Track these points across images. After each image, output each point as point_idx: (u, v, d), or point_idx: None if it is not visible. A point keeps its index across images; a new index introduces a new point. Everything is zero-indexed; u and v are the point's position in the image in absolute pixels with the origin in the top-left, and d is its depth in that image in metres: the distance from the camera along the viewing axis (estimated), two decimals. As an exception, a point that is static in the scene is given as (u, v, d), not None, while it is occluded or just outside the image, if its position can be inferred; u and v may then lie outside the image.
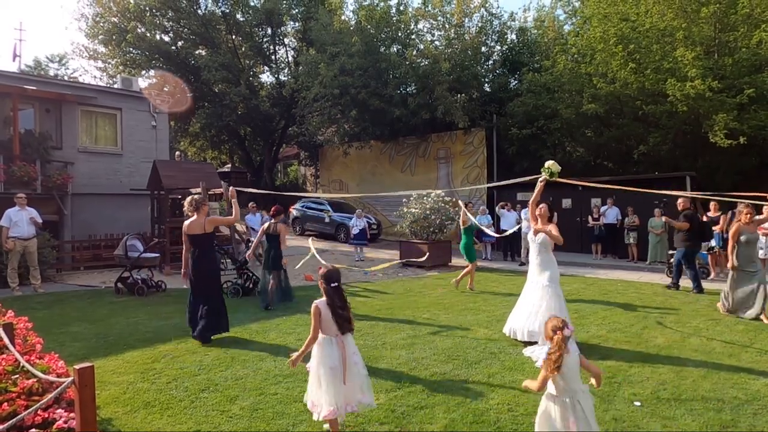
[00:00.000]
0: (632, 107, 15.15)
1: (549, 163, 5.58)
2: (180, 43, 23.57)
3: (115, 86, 16.43)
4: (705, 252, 10.70)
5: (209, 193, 11.84)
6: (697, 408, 4.01)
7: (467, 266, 9.49)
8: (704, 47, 13.64)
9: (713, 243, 10.59)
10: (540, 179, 5.66)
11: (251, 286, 9.15)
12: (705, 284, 9.85)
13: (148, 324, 6.95)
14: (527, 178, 6.20)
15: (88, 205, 13.57)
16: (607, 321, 6.97)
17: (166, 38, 23.62)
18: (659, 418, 3.84)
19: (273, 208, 8.44)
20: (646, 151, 14.97)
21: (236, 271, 9.36)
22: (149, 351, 5.66)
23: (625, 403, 4.14)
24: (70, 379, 2.85)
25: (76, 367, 2.78)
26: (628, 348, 5.67)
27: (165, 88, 21.35)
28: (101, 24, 22.42)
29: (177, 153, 20.82)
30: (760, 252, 9.99)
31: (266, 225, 8.14)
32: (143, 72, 23.88)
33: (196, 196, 6.09)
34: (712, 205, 11.14)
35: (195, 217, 5.97)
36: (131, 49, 22.53)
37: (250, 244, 10.41)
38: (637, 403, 4.11)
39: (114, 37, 22.13)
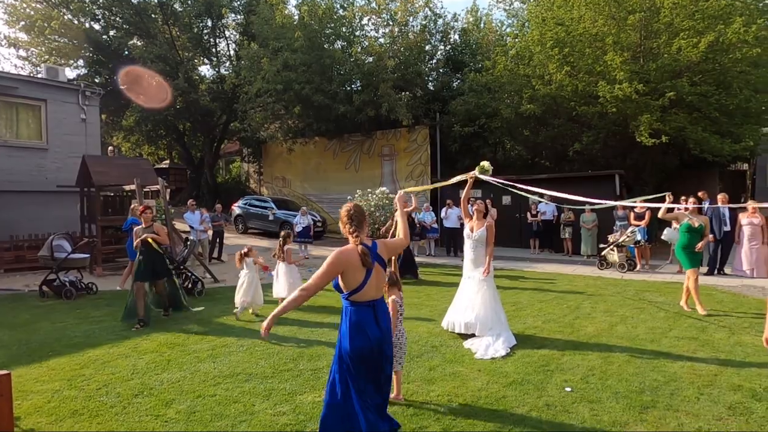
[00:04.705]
0: (567, 108, 15.85)
1: (484, 163, 5.73)
2: (112, 33, 22.36)
3: (39, 76, 15.37)
4: (632, 245, 11.38)
5: (144, 190, 11.34)
6: (621, 391, 4.27)
7: (687, 277, 7.16)
8: (631, 52, 14.47)
9: (639, 237, 11.28)
10: (469, 175, 5.77)
11: (190, 285, 8.85)
12: (631, 276, 10.51)
13: (76, 329, 6.56)
14: (459, 177, 6.18)
15: (10, 203, 12.64)
16: (543, 312, 7.28)
17: (97, 26, 22.32)
18: (587, 402, 4.06)
19: (141, 207, 7.30)
20: (579, 150, 15.72)
21: (174, 271, 9.00)
22: (77, 357, 5.35)
23: (557, 389, 4.35)
24: (-17, 388, 2.66)
25: (-9, 375, 2.59)
26: (561, 337, 5.96)
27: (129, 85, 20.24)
28: (22, 9, 20.85)
29: (110, 148, 19.77)
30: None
31: (140, 230, 7.03)
32: (71, 62, 22.50)
33: None
34: (637, 201, 11.85)
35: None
36: (56, 37, 21.13)
37: (188, 242, 10.06)
38: (568, 389, 4.33)
39: (37, 23, 20.65)
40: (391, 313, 4.00)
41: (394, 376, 4.04)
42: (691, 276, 7.02)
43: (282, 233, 8.00)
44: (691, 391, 4.27)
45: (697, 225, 7.15)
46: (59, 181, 13.19)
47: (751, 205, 10.00)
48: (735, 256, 10.42)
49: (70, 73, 20.46)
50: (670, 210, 7.47)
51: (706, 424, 3.68)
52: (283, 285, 7.55)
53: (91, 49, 21.73)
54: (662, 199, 7.48)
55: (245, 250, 7.37)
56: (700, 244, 7.10)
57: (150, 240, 6.84)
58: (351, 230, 3.10)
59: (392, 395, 4.05)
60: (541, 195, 7.24)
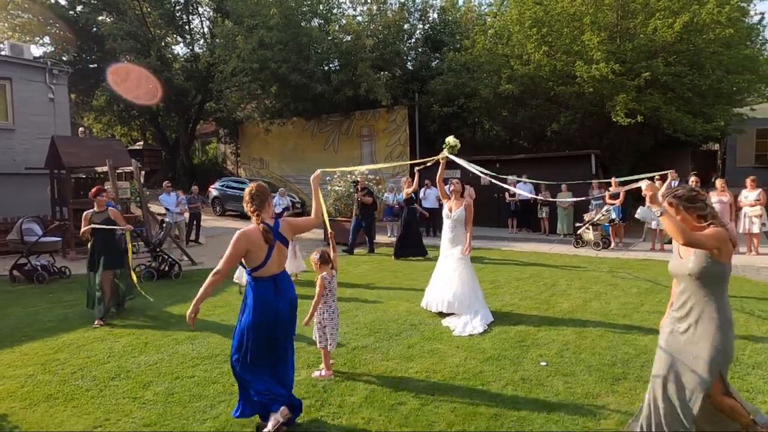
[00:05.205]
0: (545, 88, 15.92)
1: (449, 139, 5.73)
2: (79, 8, 21.47)
3: (2, 53, 14.73)
4: (607, 224, 11.60)
5: (118, 172, 11.08)
6: (594, 364, 4.39)
7: None
8: (608, 32, 14.54)
9: (613, 216, 11.49)
10: (440, 156, 5.80)
11: (167, 268, 8.74)
12: (606, 254, 10.74)
13: (49, 313, 6.44)
14: (432, 159, 6.26)
15: (-25, 186, 12.24)
16: (520, 290, 7.41)
17: (63, 1, 21.42)
18: (561, 375, 4.17)
19: (93, 190, 6.49)
20: (557, 130, 15.86)
21: (150, 253, 8.88)
22: (51, 341, 5.26)
23: (533, 363, 4.45)
24: (-50, 374, 2.59)
25: (-42, 360, 2.53)
26: (537, 314, 6.08)
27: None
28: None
29: (81, 129, 19.19)
30: (653, 223, 11.02)
31: (90, 213, 6.26)
32: (37, 38, 21.61)
33: None
34: (612, 180, 12.04)
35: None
36: (20, 12, 20.24)
37: (164, 225, 9.90)
38: (543, 363, 4.43)
39: (-2, -3, 19.73)
40: (317, 289, 4.23)
41: (322, 353, 4.29)
42: None
43: (285, 213, 8.30)
44: (660, 362, 4.41)
45: None
46: (28, 163, 12.79)
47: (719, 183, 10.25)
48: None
49: (35, 51, 19.73)
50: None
51: (674, 394, 3.80)
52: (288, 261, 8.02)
53: (57, 25, 20.88)
54: (664, 177, 7.45)
55: None
56: None
57: (127, 233, 6.44)
58: (252, 209, 3.28)
59: (323, 373, 4.22)
60: (503, 180, 7.15)
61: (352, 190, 12.65)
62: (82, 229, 6.18)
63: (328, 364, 4.27)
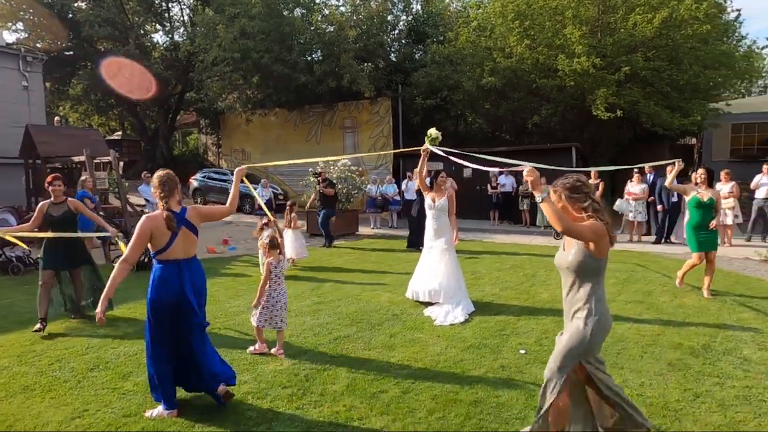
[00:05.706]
0: (527, 81, 16.04)
1: (431, 131, 5.76)
2: (54, -7, 20.89)
3: (-26, 39, 14.35)
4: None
5: (95, 161, 10.87)
6: (572, 352, 4.48)
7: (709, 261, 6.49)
8: (589, 27, 14.71)
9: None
10: (422, 148, 5.83)
11: (146, 260, 8.62)
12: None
13: (25, 305, 6.32)
14: (414, 150, 6.32)
15: (-54, 176, 11.91)
16: (501, 280, 7.50)
17: (36, -14, 20.78)
18: (540, 363, 4.24)
19: (49, 177, 5.59)
20: (538, 123, 16.00)
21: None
22: (27, 333, 5.18)
23: (512, 352, 4.52)
24: None
25: (-70, 350, 2.48)
26: (517, 303, 6.17)
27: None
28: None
29: (56, 119, 18.76)
30: (629, 215, 11.24)
31: (45, 205, 5.46)
32: (10, 24, 20.97)
33: None
34: (592, 173, 12.22)
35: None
36: (-9, -4, 19.61)
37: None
38: (522, 351, 4.51)
39: (-32, -19, 19.09)
40: (264, 273, 4.51)
41: (255, 331, 4.57)
42: (694, 260, 6.53)
43: (288, 203, 8.82)
44: (635, 350, 4.53)
45: (706, 199, 6.35)
46: (1, 153, 12.49)
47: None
48: (680, 225, 10.95)
49: (8, 37, 19.15)
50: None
51: (648, 380, 3.92)
52: (291, 248, 8.31)
53: (31, 11, 20.27)
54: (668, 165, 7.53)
55: (264, 221, 7.81)
56: (714, 222, 6.44)
57: (117, 236, 6.18)
58: (161, 195, 3.44)
59: (274, 350, 4.51)
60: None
61: (313, 179, 12.56)
62: (30, 223, 5.35)
63: (262, 338, 4.54)
